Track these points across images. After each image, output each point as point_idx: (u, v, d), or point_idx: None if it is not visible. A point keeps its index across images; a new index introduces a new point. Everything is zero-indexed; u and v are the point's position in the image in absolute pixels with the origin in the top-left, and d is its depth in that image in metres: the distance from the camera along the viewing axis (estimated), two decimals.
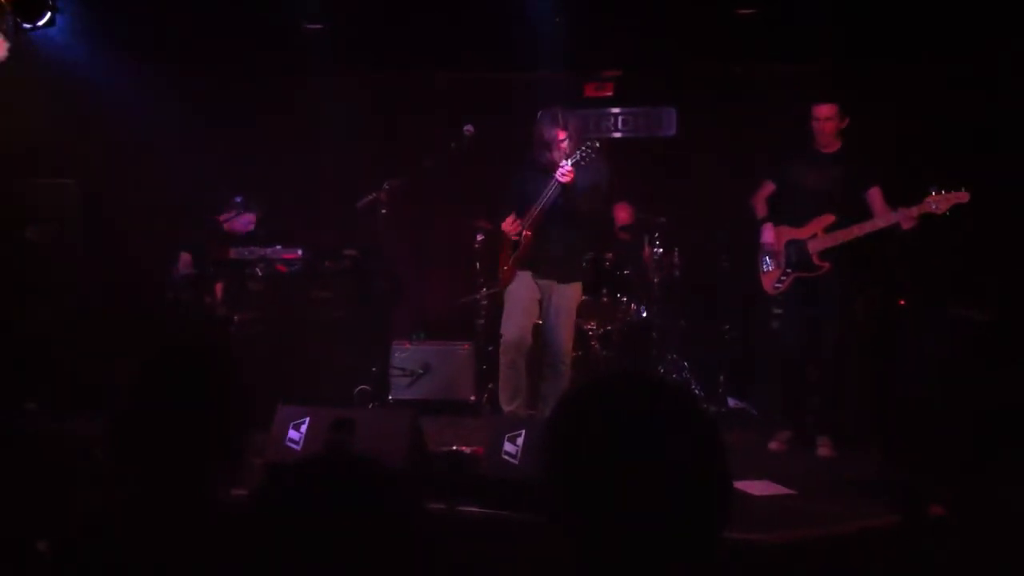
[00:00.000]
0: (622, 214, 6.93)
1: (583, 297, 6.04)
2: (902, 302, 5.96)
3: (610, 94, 7.64)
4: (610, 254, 6.42)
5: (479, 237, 6.46)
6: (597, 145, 4.72)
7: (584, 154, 4.72)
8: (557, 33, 6.59)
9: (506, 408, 5.12)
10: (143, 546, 1.39)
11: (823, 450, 4.78)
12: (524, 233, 5.02)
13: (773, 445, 4.96)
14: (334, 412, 4.13)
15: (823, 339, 4.87)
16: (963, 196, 4.44)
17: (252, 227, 6.34)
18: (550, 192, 4.88)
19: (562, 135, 4.96)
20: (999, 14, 5.67)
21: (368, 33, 6.74)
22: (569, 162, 4.70)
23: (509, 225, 5.10)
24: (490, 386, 6.01)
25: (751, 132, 6.74)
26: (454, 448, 4.61)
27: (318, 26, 6.68)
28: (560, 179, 4.74)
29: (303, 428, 4.08)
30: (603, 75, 7.59)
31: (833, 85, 6.01)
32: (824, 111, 4.85)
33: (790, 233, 4.96)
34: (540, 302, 5.14)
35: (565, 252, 5.05)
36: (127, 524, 1.42)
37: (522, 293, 5.12)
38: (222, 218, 6.33)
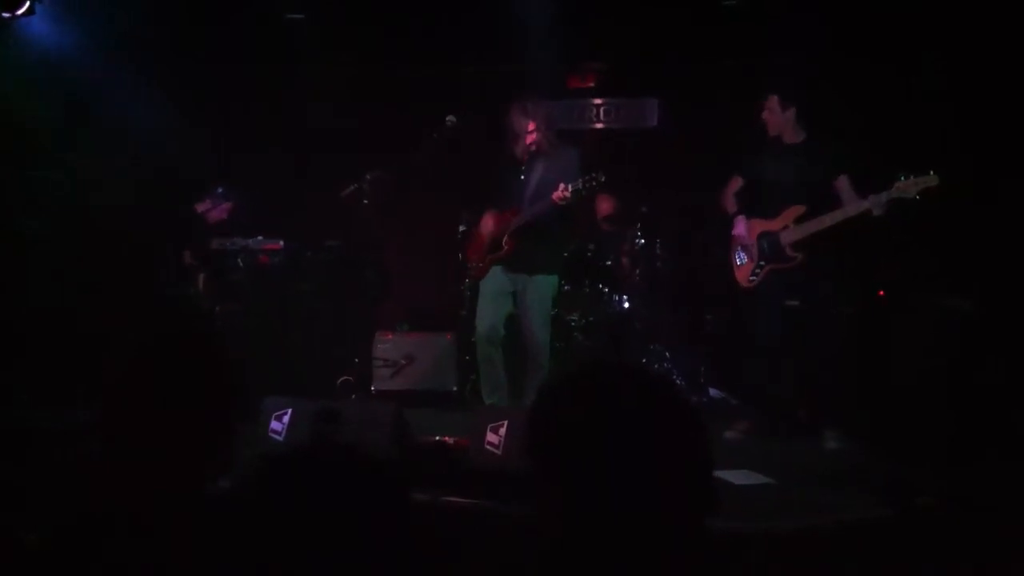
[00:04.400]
0: (604, 205, 6.94)
1: (565, 288, 6.08)
2: (881, 293, 6.00)
3: (592, 85, 7.66)
4: (592, 245, 6.44)
5: (461, 228, 6.46)
6: (603, 179, 4.70)
7: (587, 184, 4.70)
8: (541, 24, 6.59)
9: (487, 401, 5.15)
10: (133, 539, 1.40)
11: (831, 443, 4.70)
12: (506, 242, 5.06)
13: (729, 434, 4.93)
14: (317, 403, 4.14)
15: (807, 330, 4.87)
16: (932, 180, 4.46)
17: (225, 215, 6.34)
18: (539, 208, 4.92)
19: (531, 126, 4.99)
20: (969, 9, 5.74)
21: (350, 23, 6.72)
22: (571, 188, 4.70)
23: (489, 226, 5.15)
24: (472, 377, 6.01)
25: (733, 123, 6.75)
26: (437, 438, 4.61)
27: (299, 16, 6.66)
28: (557, 201, 4.76)
29: (285, 419, 4.09)
30: (586, 67, 7.60)
31: (815, 77, 6.05)
32: (766, 103, 4.92)
33: (762, 225, 4.96)
34: (514, 294, 5.15)
35: (538, 246, 5.05)
36: (117, 517, 1.43)
37: (493, 286, 5.17)
38: (200, 208, 6.31)
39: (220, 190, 6.33)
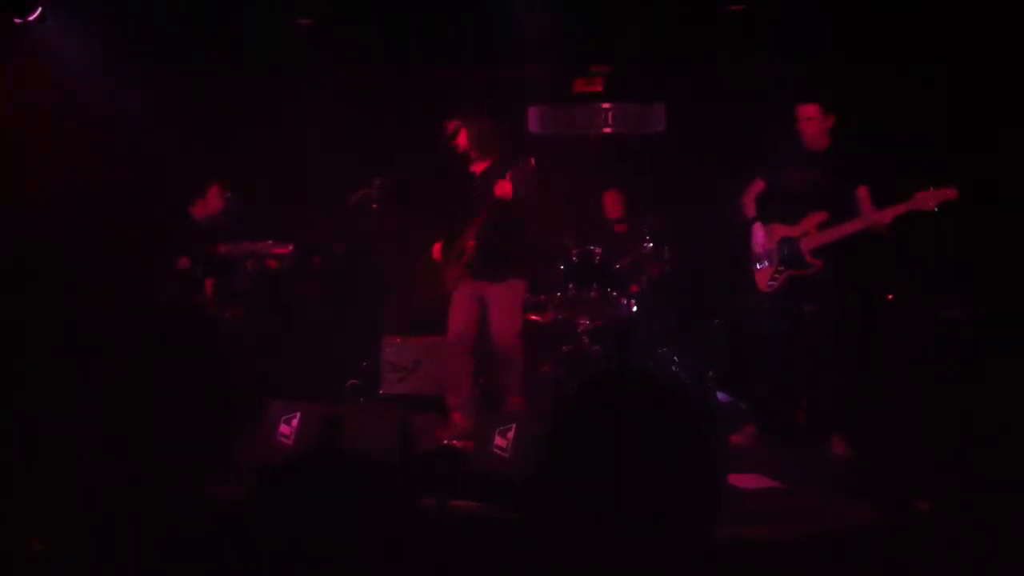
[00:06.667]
0: (612, 204, 6.93)
1: (572, 292, 6.10)
2: (890, 296, 5.99)
3: (599, 90, 7.67)
4: (599, 249, 6.43)
5: None
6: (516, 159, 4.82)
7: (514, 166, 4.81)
8: (546, 29, 6.61)
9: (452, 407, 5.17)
10: (135, 543, 1.40)
11: (838, 448, 4.67)
12: (465, 249, 5.10)
13: (737, 439, 4.96)
14: (324, 407, 4.14)
15: (817, 336, 4.85)
16: (951, 192, 4.46)
17: (221, 205, 6.22)
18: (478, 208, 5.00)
19: (461, 139, 5.15)
20: (985, 16, 5.72)
21: (356, 28, 6.73)
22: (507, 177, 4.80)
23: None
24: (481, 380, 6.00)
25: (740, 128, 6.76)
26: (445, 442, 4.62)
27: (309, 21, 6.68)
28: (498, 195, 4.86)
29: (294, 423, 4.08)
30: (592, 71, 7.60)
31: (822, 83, 6.03)
32: (806, 111, 4.87)
33: (782, 231, 4.98)
34: (480, 302, 5.16)
35: (494, 251, 5.06)
36: (119, 521, 1.43)
37: (462, 295, 5.20)
38: (198, 213, 6.23)
39: (208, 180, 6.25)
